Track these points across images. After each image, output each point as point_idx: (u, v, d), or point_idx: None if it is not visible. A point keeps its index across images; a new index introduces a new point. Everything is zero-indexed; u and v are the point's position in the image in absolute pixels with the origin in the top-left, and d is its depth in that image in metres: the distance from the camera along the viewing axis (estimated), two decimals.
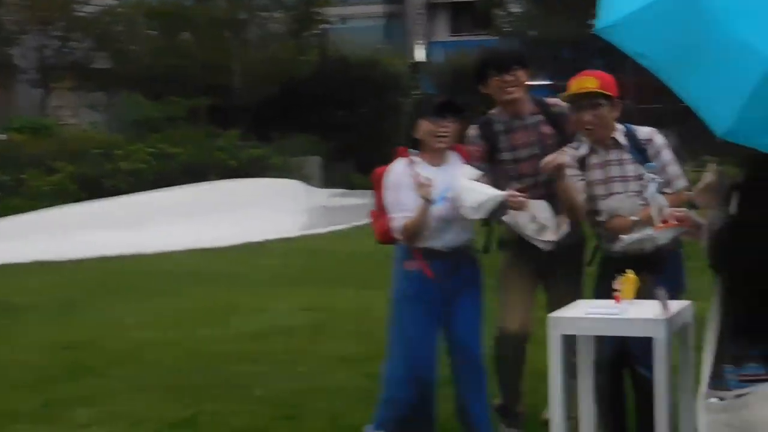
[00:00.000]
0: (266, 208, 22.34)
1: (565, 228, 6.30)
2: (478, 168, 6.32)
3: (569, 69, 28.34)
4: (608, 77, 6.20)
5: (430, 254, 6.20)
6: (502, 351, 6.50)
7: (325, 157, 31.69)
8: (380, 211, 6.43)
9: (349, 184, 30.97)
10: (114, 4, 31.90)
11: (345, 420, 7.29)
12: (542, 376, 6.69)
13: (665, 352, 4.75)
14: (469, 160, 6.33)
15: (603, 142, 6.19)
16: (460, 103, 6.29)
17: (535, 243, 6.29)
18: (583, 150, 6.27)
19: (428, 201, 6.03)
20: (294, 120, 32.68)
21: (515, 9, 38.87)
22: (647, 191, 4.54)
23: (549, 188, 6.33)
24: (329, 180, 30.99)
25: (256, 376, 8.64)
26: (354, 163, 32.94)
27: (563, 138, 6.39)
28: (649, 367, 5.99)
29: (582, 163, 6.28)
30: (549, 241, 6.29)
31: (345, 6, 39.68)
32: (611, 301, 5.18)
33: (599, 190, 6.19)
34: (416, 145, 6.23)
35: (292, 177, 28.27)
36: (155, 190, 23.62)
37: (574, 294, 6.30)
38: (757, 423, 3.70)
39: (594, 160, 6.24)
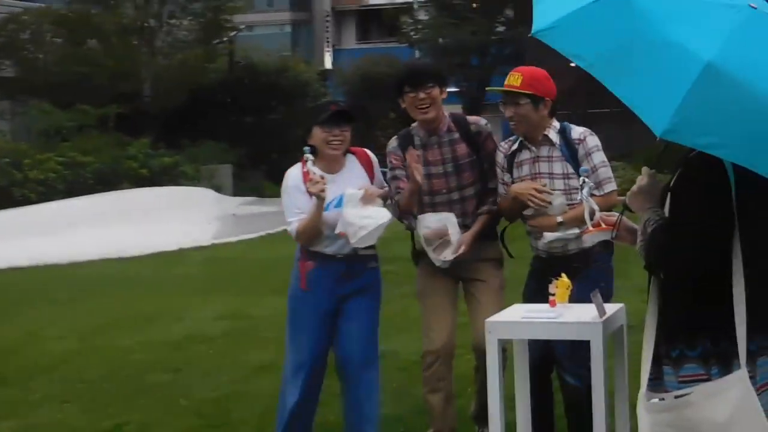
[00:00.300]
0: (178, 217, 22.23)
1: (464, 249, 6.31)
2: (395, 174, 6.42)
3: (476, 76, 28.71)
4: (539, 75, 6.30)
5: (324, 258, 6.27)
6: (428, 366, 6.48)
7: (236, 164, 31.58)
8: None
9: (260, 192, 30.92)
10: (19, 12, 31.46)
11: (271, 428, 7.30)
12: (467, 380, 6.83)
13: (602, 354, 4.82)
14: (370, 166, 6.40)
15: (531, 138, 6.29)
16: (353, 111, 6.44)
17: (432, 259, 6.34)
18: (515, 146, 6.39)
19: (321, 198, 6.05)
20: (203, 127, 32.55)
21: (423, 17, 39.13)
22: (580, 194, 4.62)
23: (462, 206, 6.43)
24: (240, 188, 30.90)
25: (179, 385, 8.64)
26: (264, 170, 32.90)
27: (479, 157, 6.45)
28: (575, 374, 6.14)
29: (512, 159, 6.39)
30: (445, 260, 6.32)
31: (252, 13, 39.53)
32: (546, 305, 5.24)
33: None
34: (314, 152, 6.23)
35: (203, 185, 28.16)
36: (67, 199, 23.39)
37: (495, 299, 6.39)
38: (701, 422, 3.76)
39: (524, 155, 6.34)
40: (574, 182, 6.13)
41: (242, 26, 36.87)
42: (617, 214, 4.44)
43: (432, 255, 6.33)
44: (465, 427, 6.77)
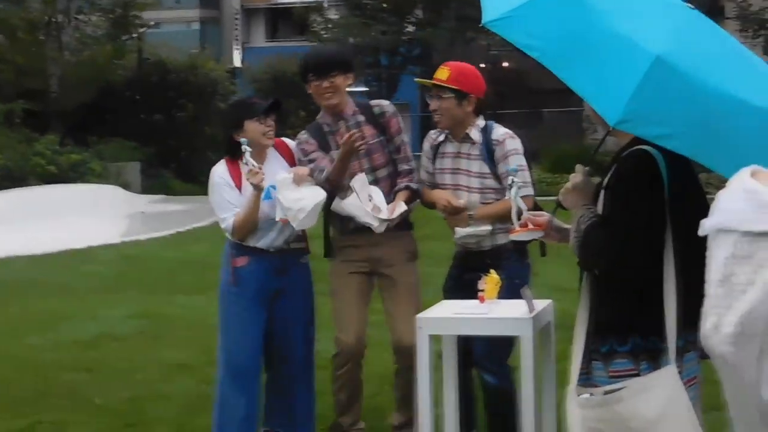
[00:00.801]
0: (86, 215, 21.97)
1: (397, 212, 6.28)
2: (312, 158, 6.42)
3: (386, 76, 28.72)
4: (467, 70, 6.37)
5: (256, 252, 6.28)
6: (340, 366, 6.51)
7: (144, 162, 31.31)
8: None
9: (169, 191, 30.70)
10: None
11: (189, 427, 7.29)
12: (384, 379, 6.86)
13: (532, 350, 4.87)
14: (290, 153, 6.44)
15: (453, 133, 6.35)
16: (280, 101, 6.52)
17: (368, 223, 6.25)
18: (441, 137, 6.45)
19: (260, 189, 6.08)
20: (112, 125, 32.22)
21: (333, 16, 39.15)
22: (508, 193, 4.68)
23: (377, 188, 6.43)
24: (148, 186, 30.63)
25: (93, 385, 8.53)
26: (173, 168, 32.66)
27: (385, 137, 6.50)
28: (494, 373, 6.24)
29: (437, 149, 6.46)
30: (383, 220, 6.23)
31: (160, 10, 39.20)
32: (475, 301, 5.28)
33: (446, 179, 6.37)
34: (231, 151, 6.27)
35: (111, 183, 27.87)
36: None
37: (411, 298, 6.43)
38: (631, 417, 3.83)
39: (448, 148, 6.42)
40: (490, 182, 6.24)
41: (151, 23, 36.55)
42: (546, 213, 4.50)
43: (367, 219, 6.24)
44: (381, 423, 6.81)
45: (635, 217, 3.86)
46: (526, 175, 6.24)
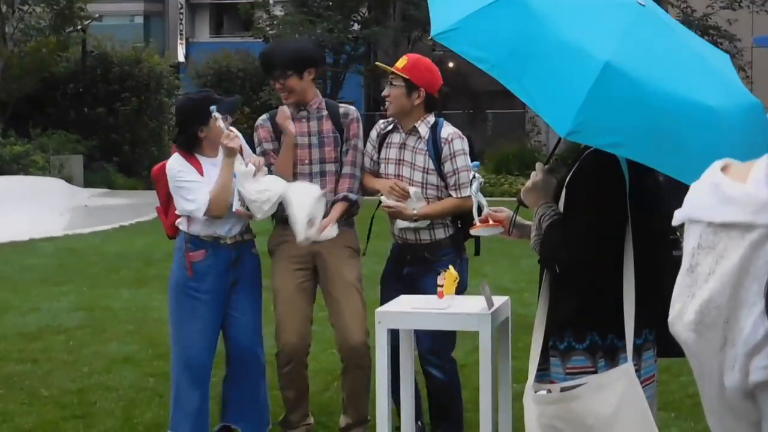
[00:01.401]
0: (28, 207, 21.76)
1: (324, 235, 6.30)
2: (265, 149, 6.48)
3: (331, 74, 28.61)
4: (422, 64, 6.41)
5: (213, 245, 6.29)
6: (283, 364, 6.52)
7: (87, 156, 31.09)
8: (165, 207, 6.53)
9: (111, 184, 30.53)
10: None
11: (136, 419, 7.28)
12: (332, 375, 6.91)
13: (490, 346, 4.91)
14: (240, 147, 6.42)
15: (403, 123, 6.41)
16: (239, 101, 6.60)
17: (296, 232, 6.21)
18: (390, 127, 6.51)
19: (234, 155, 6.09)
20: (55, 117, 31.98)
21: (279, 12, 39.04)
22: (470, 188, 4.71)
23: (321, 180, 6.45)
24: (91, 179, 30.42)
25: (38, 376, 8.49)
26: (116, 162, 32.47)
27: (341, 136, 6.53)
28: (439, 368, 6.32)
29: (384, 138, 6.52)
30: (306, 238, 6.20)
31: (103, 3, 38.90)
32: (434, 297, 5.31)
33: (389, 170, 6.42)
34: (186, 145, 6.29)
35: (54, 175, 27.66)
36: None
37: (353, 296, 6.47)
38: (587, 414, 3.87)
39: (394, 138, 6.47)
40: (433, 178, 6.32)
41: (96, 15, 36.28)
42: (506, 209, 4.55)
43: (298, 228, 6.20)
44: (331, 420, 6.87)
45: (596, 216, 3.91)
46: (467, 176, 6.26)
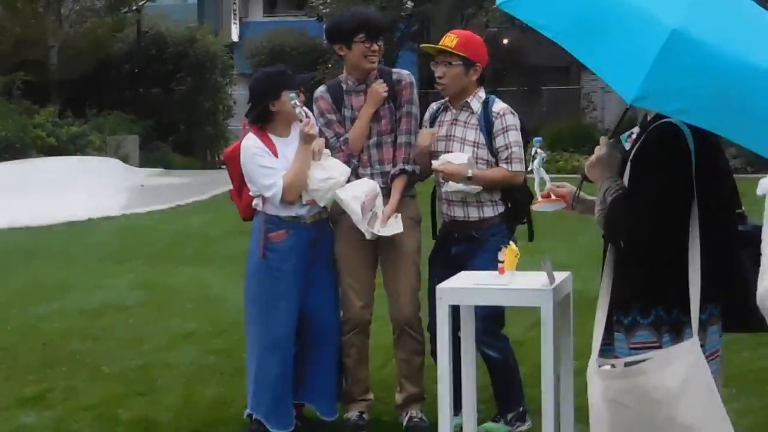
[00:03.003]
0: (85, 187, 21.91)
1: (393, 226, 6.34)
2: (326, 120, 6.49)
3: (385, 51, 28.65)
4: (474, 39, 6.41)
5: (293, 225, 6.33)
6: (347, 331, 6.56)
7: (142, 136, 31.29)
8: (239, 189, 6.56)
9: (167, 164, 30.69)
10: None
11: (196, 396, 7.36)
12: (390, 352, 6.92)
13: (552, 321, 4.90)
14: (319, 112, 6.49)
15: (455, 101, 6.40)
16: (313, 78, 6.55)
17: (363, 231, 6.33)
18: (441, 107, 6.52)
19: (311, 138, 6.16)
20: (110, 98, 32.15)
21: None
22: (531, 164, 4.70)
23: (378, 152, 6.49)
24: (146, 159, 30.61)
25: (101, 354, 8.60)
26: (171, 142, 32.64)
27: (394, 104, 6.51)
28: (493, 347, 6.32)
29: (434, 120, 6.53)
30: (372, 234, 6.33)
31: None
32: (495, 272, 5.31)
33: (439, 147, 6.41)
34: (262, 119, 6.31)
35: (110, 155, 27.87)
36: None
37: (410, 266, 6.50)
38: (653, 389, 3.86)
39: (445, 117, 6.47)
40: (483, 152, 6.33)
41: None
42: (567, 185, 4.54)
43: (363, 227, 6.33)
44: (390, 396, 6.89)
45: (661, 190, 3.90)
46: (521, 152, 6.34)
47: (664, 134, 3.91)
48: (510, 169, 6.31)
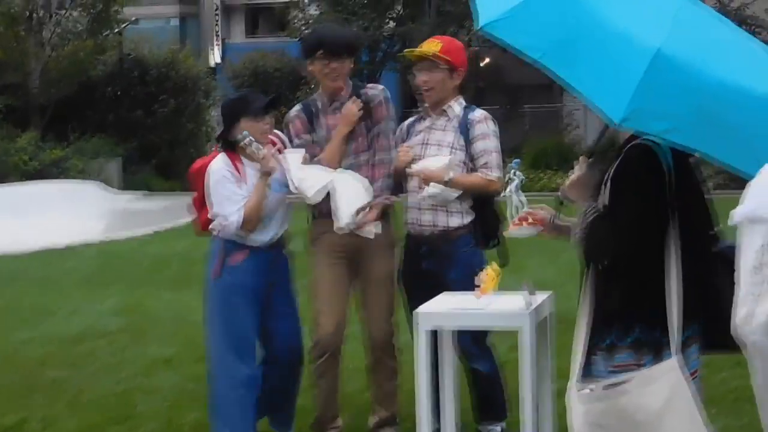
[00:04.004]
0: (66, 212, 21.81)
1: (370, 229, 6.27)
2: (300, 142, 6.40)
3: (367, 71, 28.51)
4: (456, 44, 6.42)
5: (252, 248, 6.27)
6: (317, 356, 6.47)
7: (124, 159, 31.21)
8: (200, 204, 6.49)
9: (149, 187, 30.60)
10: None
11: (177, 421, 7.29)
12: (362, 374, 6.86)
13: (530, 344, 4.88)
14: (294, 133, 6.44)
15: (434, 107, 6.36)
16: (278, 98, 6.56)
17: (337, 216, 6.21)
18: (412, 121, 6.51)
19: (269, 173, 6.11)
20: (92, 121, 32.08)
21: (313, 11, 39.08)
22: (507, 188, 4.66)
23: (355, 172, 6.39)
24: (128, 183, 30.52)
25: (80, 380, 8.52)
26: (153, 165, 32.57)
27: (370, 122, 6.43)
28: (483, 361, 6.29)
29: (410, 129, 6.49)
30: (346, 224, 6.20)
31: (139, 6, 39.03)
32: (472, 295, 5.27)
33: (415, 152, 6.34)
34: (230, 145, 6.25)
35: (92, 179, 27.78)
36: None
37: (386, 291, 6.44)
38: (636, 410, 3.83)
39: (421, 126, 6.44)
40: (460, 155, 6.29)
41: (132, 18, 36.44)
42: (546, 207, 4.51)
43: (338, 215, 6.21)
44: (363, 423, 6.80)
45: (639, 209, 3.88)
46: (499, 159, 6.32)
47: (642, 154, 3.90)
48: (487, 175, 6.27)
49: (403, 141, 6.49)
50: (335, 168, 6.34)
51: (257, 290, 6.32)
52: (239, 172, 6.24)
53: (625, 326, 3.96)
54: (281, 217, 6.38)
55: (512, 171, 4.63)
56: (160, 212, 23.33)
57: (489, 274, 5.23)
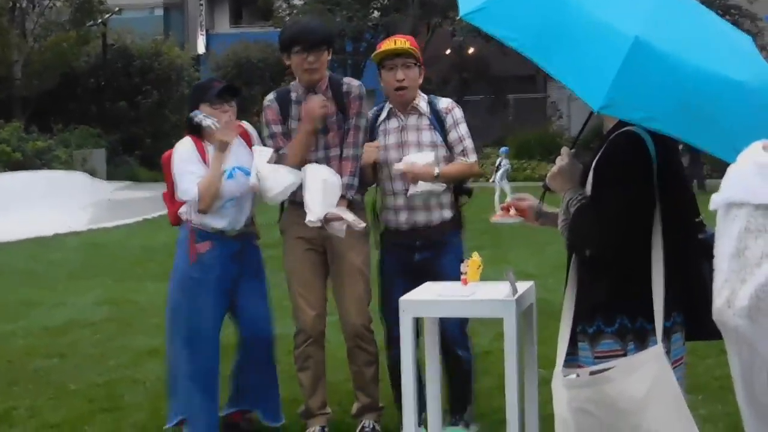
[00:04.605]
0: (52, 202, 21.85)
1: (335, 228, 6.23)
2: (274, 129, 6.39)
3: (351, 62, 28.56)
4: (416, 43, 6.40)
5: (217, 237, 6.30)
6: (300, 343, 6.49)
7: (109, 149, 31.20)
8: (172, 193, 6.50)
9: (134, 177, 30.60)
10: None
11: (163, 411, 7.25)
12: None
13: (515, 332, 4.89)
14: (249, 139, 6.42)
15: (408, 105, 6.34)
16: (238, 86, 6.51)
17: (308, 208, 6.16)
18: (383, 114, 6.44)
19: (224, 146, 6.11)
20: (76, 111, 32.08)
21: (297, 2, 39.06)
22: (493, 175, 4.69)
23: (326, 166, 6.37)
24: (114, 173, 30.51)
25: (66, 371, 8.54)
26: (138, 155, 32.57)
27: (344, 116, 6.39)
28: (465, 347, 6.33)
29: (376, 126, 6.44)
30: (317, 218, 6.15)
31: None
32: (458, 283, 5.28)
33: (392, 155, 6.33)
34: (196, 130, 6.27)
35: (77, 170, 27.77)
36: None
37: (359, 278, 6.43)
38: (619, 397, 3.84)
39: (392, 124, 6.40)
40: (442, 151, 6.30)
41: (116, 8, 36.37)
42: (529, 197, 4.53)
43: (309, 208, 6.17)
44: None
45: (623, 198, 3.88)
46: (472, 142, 6.37)
47: (626, 142, 3.90)
48: (468, 160, 6.34)
49: (370, 139, 6.45)
50: (298, 165, 6.31)
51: (223, 280, 6.33)
52: (202, 154, 6.26)
53: (609, 314, 3.97)
54: (242, 204, 6.35)
55: (499, 159, 4.64)
56: (145, 202, 23.35)
57: (472, 263, 5.25)
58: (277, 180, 6.17)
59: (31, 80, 30.69)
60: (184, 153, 6.30)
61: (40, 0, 32.40)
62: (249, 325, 6.49)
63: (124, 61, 34.78)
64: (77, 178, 26.51)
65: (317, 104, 6.25)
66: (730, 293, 2.24)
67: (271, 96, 6.52)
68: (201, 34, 48.76)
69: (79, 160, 28.92)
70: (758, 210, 2.20)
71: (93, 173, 28.53)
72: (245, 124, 6.51)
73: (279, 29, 30.23)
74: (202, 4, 50.32)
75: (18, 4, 31.67)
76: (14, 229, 18.01)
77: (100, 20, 34.52)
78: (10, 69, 30.65)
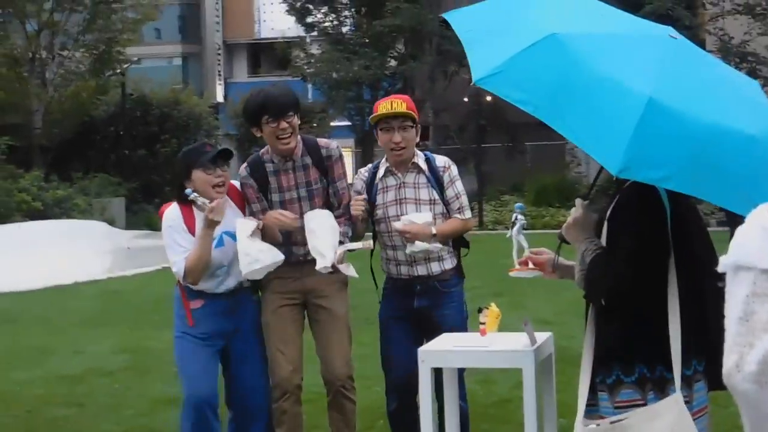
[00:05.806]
0: (71, 250, 21.88)
1: (343, 269, 6.18)
2: (254, 208, 6.33)
3: (368, 110, 28.69)
4: (412, 102, 6.41)
5: (208, 295, 6.21)
6: (278, 398, 6.41)
7: (128, 197, 31.30)
8: None
9: (153, 226, 30.62)
10: None
11: None
12: (376, 413, 6.84)
13: (533, 382, 4.87)
14: (240, 199, 6.34)
15: (401, 165, 6.35)
16: (230, 150, 6.32)
17: (320, 255, 6.10)
18: (380, 172, 6.42)
19: (212, 225, 5.96)
20: (95, 160, 32.25)
21: (314, 50, 39.26)
22: (510, 231, 4.69)
23: None
24: (132, 221, 30.60)
25: (84, 420, 8.51)
26: (157, 204, 32.61)
27: (327, 181, 6.37)
28: (464, 397, 6.29)
29: (373, 185, 6.42)
30: (326, 266, 6.09)
31: (141, 46, 39.25)
32: (476, 334, 5.27)
33: (390, 212, 6.34)
34: (183, 195, 6.08)
35: (95, 218, 27.85)
36: None
37: (342, 328, 6.41)
38: None
39: (390, 182, 6.40)
40: (439, 208, 6.32)
41: (134, 58, 36.62)
42: (546, 251, 4.53)
43: (319, 255, 6.12)
44: None
45: (637, 244, 3.88)
46: (466, 200, 6.43)
47: (638, 192, 3.91)
48: (463, 217, 6.38)
49: (365, 199, 6.41)
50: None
51: (215, 335, 6.25)
52: (189, 223, 6.16)
53: (627, 363, 3.96)
54: (231, 269, 6.21)
55: (514, 215, 4.66)
56: (163, 250, 23.24)
57: (491, 313, 5.24)
58: (257, 256, 6.07)
59: (51, 129, 30.89)
60: (168, 223, 6.20)
61: (60, 50, 32.62)
62: (244, 385, 6.39)
63: (142, 110, 34.98)
64: (96, 226, 26.58)
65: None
66: (738, 357, 2.20)
67: (244, 172, 6.40)
68: (219, 83, 49.08)
69: (98, 208, 29.02)
70: (765, 274, 2.17)
71: (112, 222, 28.61)
72: (234, 184, 6.37)
73: (296, 78, 30.33)
74: (219, 54, 50.66)
75: (38, 54, 31.90)
76: (34, 277, 18.05)
77: (119, 70, 34.76)
78: (30, 118, 30.86)
